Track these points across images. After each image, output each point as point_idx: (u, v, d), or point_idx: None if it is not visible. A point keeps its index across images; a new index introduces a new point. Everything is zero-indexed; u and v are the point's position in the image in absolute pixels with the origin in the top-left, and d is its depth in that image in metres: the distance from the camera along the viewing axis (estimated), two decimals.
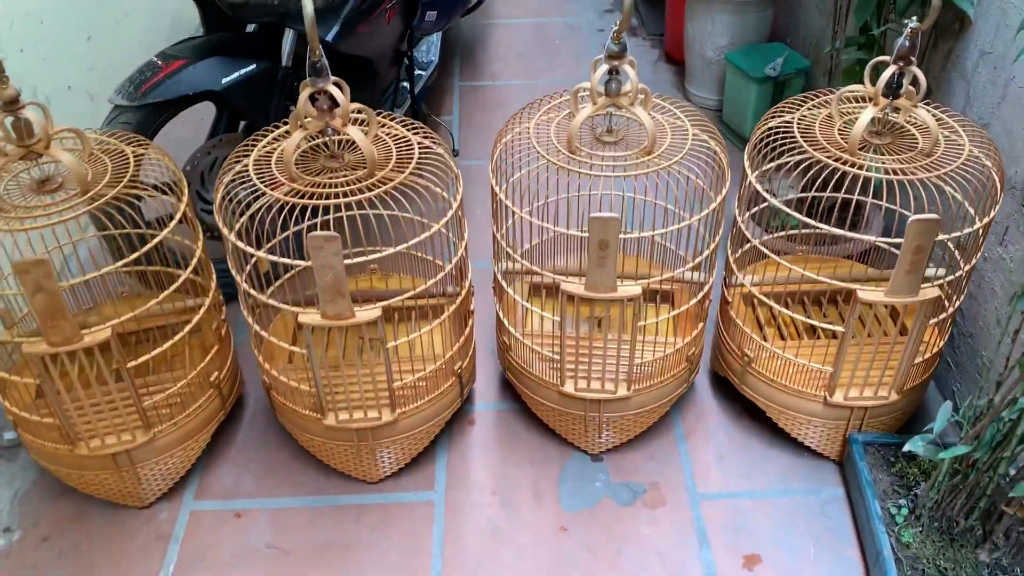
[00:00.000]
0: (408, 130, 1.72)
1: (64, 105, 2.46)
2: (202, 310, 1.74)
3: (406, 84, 2.61)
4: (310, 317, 1.57)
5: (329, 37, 1.96)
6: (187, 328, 1.70)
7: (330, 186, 1.57)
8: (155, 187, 1.68)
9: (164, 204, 1.70)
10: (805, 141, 1.66)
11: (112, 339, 1.55)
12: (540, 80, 3.27)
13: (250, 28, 2.16)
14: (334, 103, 1.56)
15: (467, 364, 1.87)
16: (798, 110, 1.77)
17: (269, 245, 1.69)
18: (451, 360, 1.80)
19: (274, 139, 1.70)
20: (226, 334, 1.88)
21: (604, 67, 1.58)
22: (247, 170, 1.62)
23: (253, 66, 2.03)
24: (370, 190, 1.56)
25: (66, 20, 2.51)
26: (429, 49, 2.86)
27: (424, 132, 1.73)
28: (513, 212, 1.70)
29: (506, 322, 1.86)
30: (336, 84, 1.55)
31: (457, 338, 1.82)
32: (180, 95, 1.95)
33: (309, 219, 1.55)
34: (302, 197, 1.54)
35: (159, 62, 1.99)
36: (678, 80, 3.22)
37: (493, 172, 1.74)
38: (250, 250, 1.57)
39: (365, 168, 1.61)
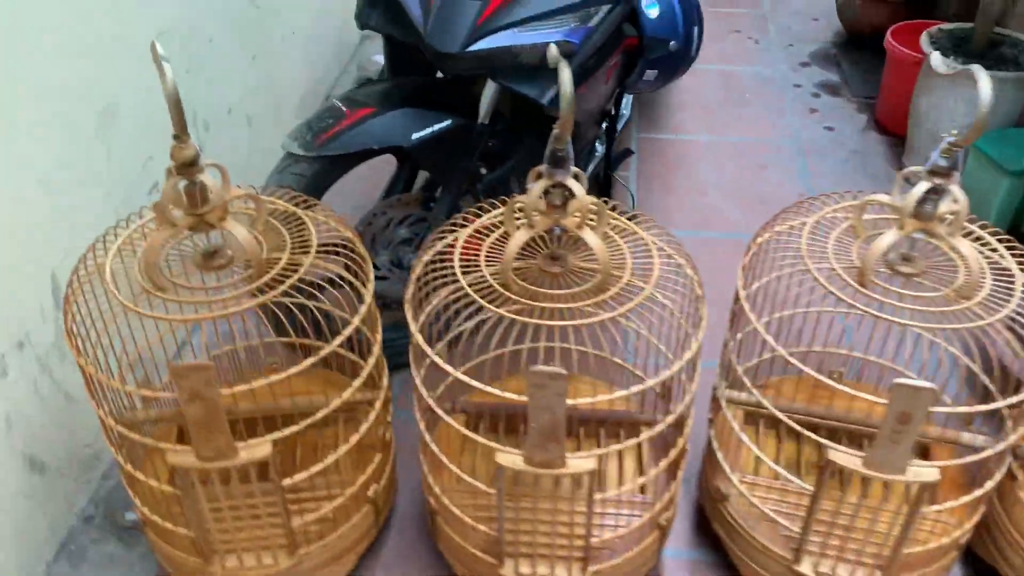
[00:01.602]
0: (640, 227, 1.40)
1: (222, 130, 2.24)
2: (372, 415, 1.46)
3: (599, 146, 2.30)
4: (510, 458, 1.26)
5: (545, 100, 1.66)
6: (352, 441, 1.42)
7: (555, 299, 1.27)
8: (333, 280, 1.40)
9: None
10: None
11: (272, 460, 1.28)
12: (728, 136, 2.91)
13: (442, 74, 1.88)
14: (568, 195, 1.26)
15: (671, 512, 1.53)
16: None
17: (447, 339, 1.40)
18: (651, 506, 1.47)
19: (489, 226, 1.40)
20: (390, 438, 1.60)
21: (924, 184, 1.22)
22: (451, 263, 1.33)
23: (448, 122, 1.74)
24: (602, 308, 1.25)
25: (234, 38, 2.29)
26: (624, 103, 2.55)
27: (656, 228, 1.41)
28: (757, 331, 1.37)
29: (724, 463, 1.52)
30: (575, 176, 1.24)
31: (662, 474, 1.49)
32: (364, 148, 1.68)
33: (514, 339, 1.25)
34: (522, 313, 1.24)
35: (343, 108, 1.72)
36: (892, 153, 2.82)
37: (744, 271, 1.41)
38: (438, 359, 1.28)
39: (590, 273, 1.30)
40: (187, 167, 1.23)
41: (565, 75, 1.12)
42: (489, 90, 1.76)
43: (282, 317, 1.33)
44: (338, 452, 1.41)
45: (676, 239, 1.39)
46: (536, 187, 1.23)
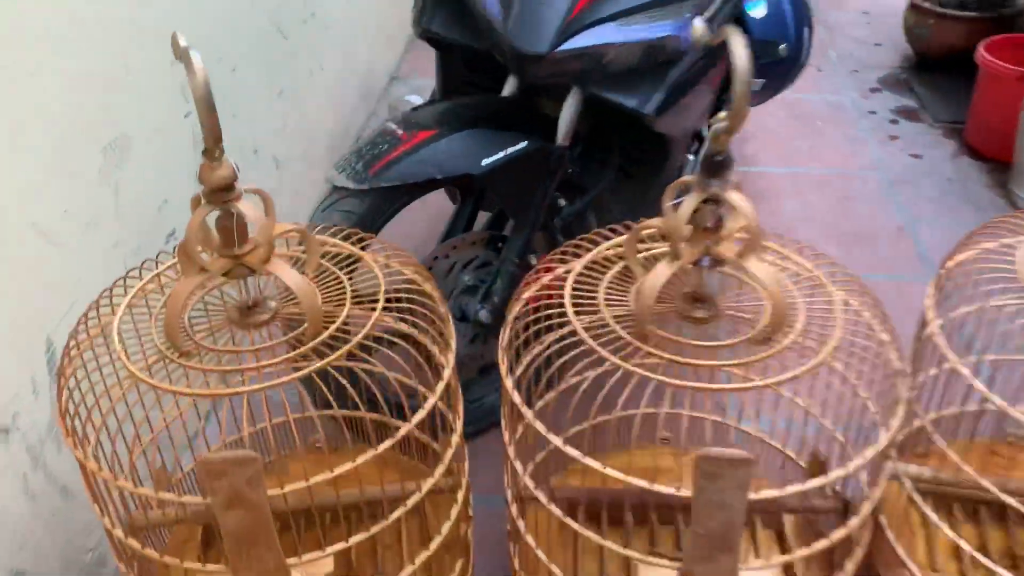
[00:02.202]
0: (809, 261, 1.09)
1: (248, 172, 1.95)
2: (454, 511, 1.13)
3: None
4: (658, 574, 0.93)
5: (649, 109, 1.36)
6: (433, 547, 1.09)
7: (707, 355, 0.95)
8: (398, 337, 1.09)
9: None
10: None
11: None
12: (806, 167, 2.62)
13: (507, 91, 1.59)
14: (720, 216, 0.95)
15: None
16: None
17: (547, 398, 1.08)
18: None
19: (594, 264, 1.09)
20: (471, 539, 1.26)
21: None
22: (561, 302, 1.02)
23: (523, 144, 1.45)
24: (760, 371, 0.93)
25: (258, 69, 2.02)
26: None
27: (831, 265, 1.09)
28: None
29: (907, 558, 1.18)
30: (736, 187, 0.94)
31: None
32: (427, 178, 1.38)
33: (627, 400, 0.93)
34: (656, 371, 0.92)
35: (399, 131, 1.43)
36: (992, 180, 2.50)
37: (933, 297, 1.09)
38: (539, 426, 0.95)
39: (747, 322, 0.98)
40: (220, 192, 0.93)
41: (738, 46, 0.82)
42: (570, 105, 1.47)
43: (345, 383, 1.00)
44: (417, 561, 1.07)
45: (859, 281, 1.07)
46: (686, 203, 0.92)
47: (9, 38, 1.18)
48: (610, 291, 1.04)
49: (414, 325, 1.13)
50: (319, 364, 0.95)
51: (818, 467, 1.25)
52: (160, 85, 1.55)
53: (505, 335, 1.05)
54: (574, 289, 1.04)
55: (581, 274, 1.07)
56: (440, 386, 1.04)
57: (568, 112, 1.47)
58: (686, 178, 0.95)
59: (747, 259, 0.94)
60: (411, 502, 1.03)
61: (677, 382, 0.91)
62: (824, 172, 2.58)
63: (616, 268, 1.08)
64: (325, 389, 0.99)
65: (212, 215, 0.94)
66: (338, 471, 0.95)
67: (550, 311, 1.03)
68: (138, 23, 1.47)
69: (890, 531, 1.21)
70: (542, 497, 1.01)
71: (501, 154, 1.43)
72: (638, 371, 0.92)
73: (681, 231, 0.94)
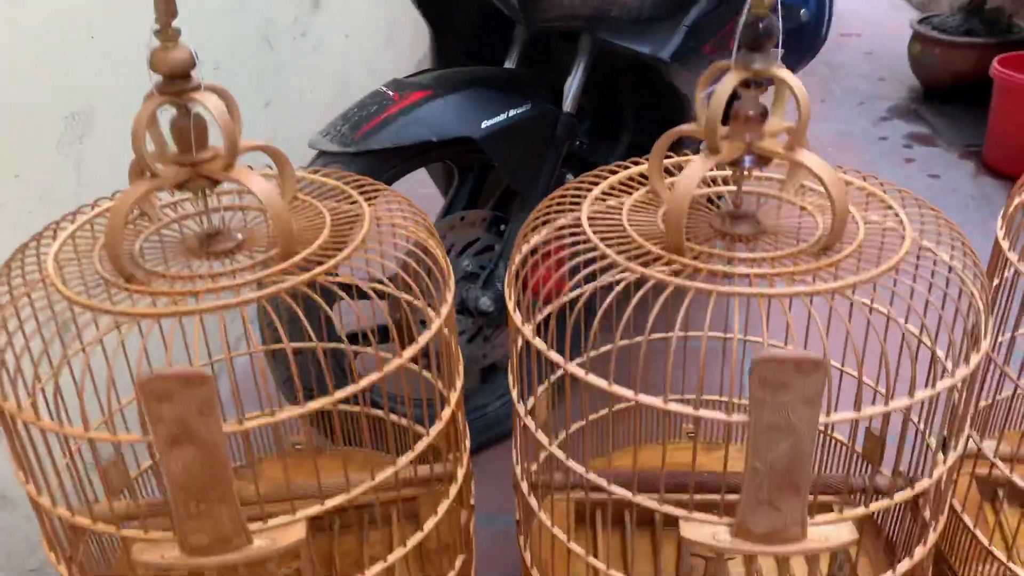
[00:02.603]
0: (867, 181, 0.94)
1: (232, 184, 1.82)
2: (453, 490, 0.95)
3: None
4: (703, 531, 0.75)
5: (665, 54, 1.24)
6: (415, 539, 0.91)
7: (758, 264, 0.79)
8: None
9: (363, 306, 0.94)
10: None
11: (307, 549, 0.77)
12: None
13: (508, 63, 1.48)
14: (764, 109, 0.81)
15: None
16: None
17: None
18: None
19: (605, 192, 0.95)
20: (473, 532, 1.07)
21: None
22: (578, 221, 0.86)
23: (527, 106, 1.32)
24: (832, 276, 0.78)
25: (247, 76, 1.91)
26: None
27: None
28: None
29: (1000, 553, 0.99)
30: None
31: None
32: (420, 141, 1.25)
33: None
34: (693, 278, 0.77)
35: (390, 92, 1.30)
36: None
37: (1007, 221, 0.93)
38: (559, 360, 0.79)
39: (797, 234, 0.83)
40: (175, 81, 0.79)
41: None
42: (580, 61, 1.34)
43: (327, 310, 0.83)
44: (409, 543, 0.89)
45: (943, 217, 0.91)
46: (723, 84, 0.78)
47: None
48: (634, 214, 0.89)
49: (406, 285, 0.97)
50: (300, 279, 0.79)
51: (877, 448, 1.08)
52: (127, 58, 1.43)
53: (515, 261, 0.89)
54: (591, 217, 0.89)
55: (598, 199, 0.92)
56: (434, 329, 0.88)
57: (576, 76, 1.35)
58: (721, 63, 0.82)
59: (799, 152, 0.80)
60: (403, 460, 0.85)
61: (726, 288, 0.75)
62: None
63: (638, 193, 0.93)
64: (307, 324, 0.82)
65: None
66: (380, 478, 0.78)
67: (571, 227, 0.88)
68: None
69: (967, 515, 1.03)
70: (575, 467, 0.83)
71: (503, 116, 1.30)
72: (672, 280, 0.76)
73: (718, 124, 0.80)
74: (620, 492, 0.80)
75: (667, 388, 0.75)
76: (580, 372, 0.79)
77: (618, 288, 0.79)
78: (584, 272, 0.81)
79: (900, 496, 0.82)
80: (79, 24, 1.31)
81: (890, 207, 0.89)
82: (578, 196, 0.94)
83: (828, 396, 0.69)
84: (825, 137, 2.85)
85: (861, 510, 0.77)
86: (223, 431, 0.71)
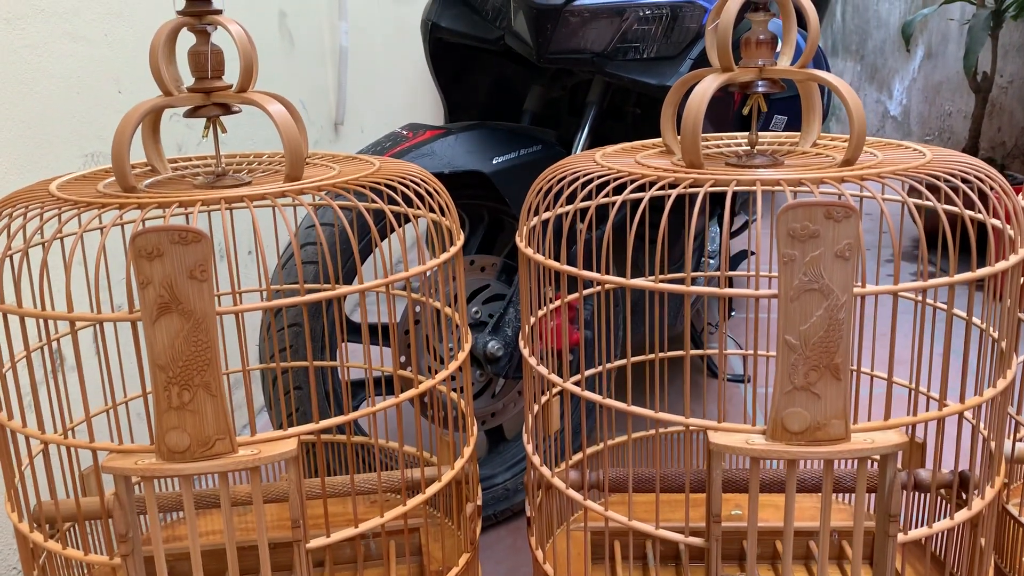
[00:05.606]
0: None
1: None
2: (458, 463, 0.87)
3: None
4: (733, 436, 0.68)
5: (672, 82, 1.27)
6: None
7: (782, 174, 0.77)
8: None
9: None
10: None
11: (295, 468, 0.70)
12: None
13: (525, 121, 1.53)
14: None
15: None
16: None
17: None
18: None
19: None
20: (477, 531, 0.97)
21: None
22: (590, 161, 0.85)
23: (538, 147, 1.35)
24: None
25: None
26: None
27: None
28: None
29: None
30: None
31: None
32: (433, 173, 1.26)
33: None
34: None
35: (404, 132, 1.34)
36: None
37: None
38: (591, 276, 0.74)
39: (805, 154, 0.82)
40: (198, 3, 0.81)
41: None
42: (588, 116, 1.38)
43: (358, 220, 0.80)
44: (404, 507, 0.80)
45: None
46: (728, 7, 0.80)
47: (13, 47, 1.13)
48: (646, 160, 0.88)
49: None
50: (333, 179, 0.76)
51: (917, 448, 1.00)
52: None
53: (528, 203, 0.87)
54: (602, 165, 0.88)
55: (607, 155, 0.92)
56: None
57: (586, 125, 1.39)
58: None
59: (810, 71, 0.80)
60: (415, 500, 0.79)
61: (748, 175, 0.72)
62: None
63: (649, 151, 0.93)
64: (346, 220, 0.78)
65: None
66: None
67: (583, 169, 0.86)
68: (141, 41, 1.43)
69: None
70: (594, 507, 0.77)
71: (513, 154, 1.32)
72: (708, 174, 0.74)
73: (728, 44, 0.81)
74: (642, 527, 0.74)
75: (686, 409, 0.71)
76: (576, 389, 0.77)
77: (646, 196, 0.76)
78: (613, 185, 0.79)
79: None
80: (107, 74, 1.37)
81: (912, 147, 0.88)
82: (581, 160, 0.93)
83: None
84: None
85: (907, 419, 0.70)
86: (215, 309, 0.66)
